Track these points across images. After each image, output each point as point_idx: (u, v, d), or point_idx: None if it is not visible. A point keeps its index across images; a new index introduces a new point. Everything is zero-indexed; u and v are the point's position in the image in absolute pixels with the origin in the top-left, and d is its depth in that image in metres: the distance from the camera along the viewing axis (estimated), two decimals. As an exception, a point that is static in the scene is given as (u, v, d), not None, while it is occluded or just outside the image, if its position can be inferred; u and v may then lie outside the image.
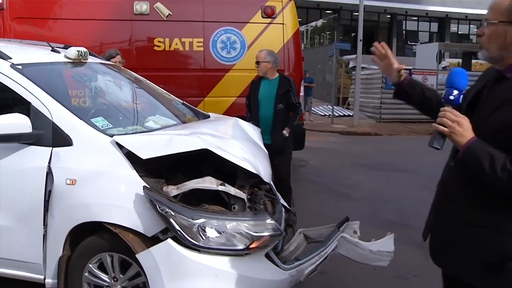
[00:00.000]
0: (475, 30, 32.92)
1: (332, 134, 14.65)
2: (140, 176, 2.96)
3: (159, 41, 7.03)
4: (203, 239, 2.80)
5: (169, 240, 2.82)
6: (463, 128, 1.90)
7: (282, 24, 7.38)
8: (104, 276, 3.09)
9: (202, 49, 7.14)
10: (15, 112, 3.15)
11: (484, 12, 2.00)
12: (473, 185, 1.92)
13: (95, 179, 3.01)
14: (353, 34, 30.70)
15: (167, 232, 2.88)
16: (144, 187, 2.88)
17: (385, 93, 16.83)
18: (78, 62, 3.95)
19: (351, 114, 17.68)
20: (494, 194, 1.86)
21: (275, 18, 7.36)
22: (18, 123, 3.06)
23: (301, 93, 7.59)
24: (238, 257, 2.87)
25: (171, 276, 2.82)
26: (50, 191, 3.09)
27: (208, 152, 3.06)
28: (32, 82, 3.28)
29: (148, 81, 4.63)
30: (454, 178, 2.06)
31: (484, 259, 1.91)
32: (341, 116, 18.76)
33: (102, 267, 3.11)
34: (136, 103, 4.10)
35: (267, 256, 2.99)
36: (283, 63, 7.23)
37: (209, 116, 4.41)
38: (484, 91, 2.03)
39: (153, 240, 2.89)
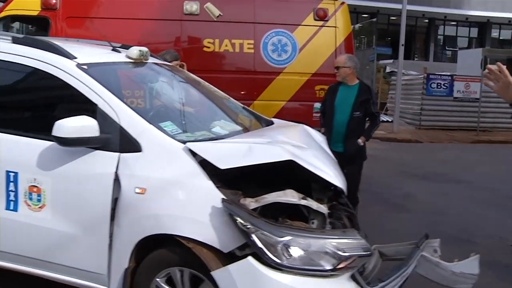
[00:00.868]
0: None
1: (372, 140, 14.22)
2: (217, 187, 2.74)
3: (208, 42, 6.82)
4: (287, 258, 2.56)
5: (250, 258, 2.58)
6: None
7: (335, 27, 7.08)
8: None
9: (252, 51, 6.90)
10: (79, 114, 2.97)
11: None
12: None
13: (167, 188, 2.79)
14: (388, 39, 30.20)
15: (245, 248, 2.65)
16: (223, 199, 2.65)
17: (426, 99, 16.36)
18: (139, 62, 3.77)
19: (390, 120, 17.23)
20: None
21: (327, 21, 7.07)
22: (86, 126, 2.87)
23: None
24: (323, 278, 2.62)
25: None
26: (116, 199, 2.90)
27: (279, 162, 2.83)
28: (99, 82, 3.10)
29: (207, 83, 4.42)
30: None
31: None
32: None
33: (170, 282, 2.90)
34: (199, 107, 3.88)
35: (352, 276, 2.73)
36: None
37: (272, 122, 4.16)
38: None
39: (229, 257, 2.67)
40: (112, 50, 3.85)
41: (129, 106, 3.04)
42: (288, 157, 2.81)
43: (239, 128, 3.68)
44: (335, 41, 7.07)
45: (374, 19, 27.81)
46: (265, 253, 2.53)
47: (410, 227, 5.64)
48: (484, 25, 32.82)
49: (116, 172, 2.88)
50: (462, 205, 6.99)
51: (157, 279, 2.89)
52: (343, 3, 7.19)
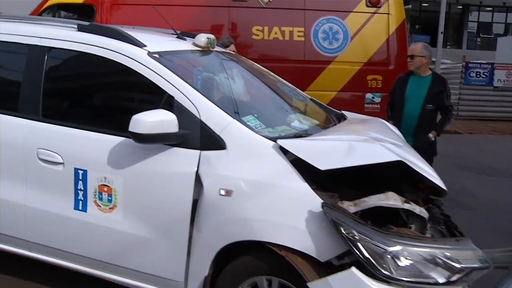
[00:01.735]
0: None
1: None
2: (313, 190, 2.47)
3: (257, 30, 6.54)
4: (395, 269, 2.28)
5: (354, 269, 2.31)
6: None
7: (388, 14, 6.74)
8: None
9: (302, 39, 6.60)
10: (153, 107, 2.73)
11: None
12: None
13: (257, 191, 2.53)
14: (417, 26, 29.37)
15: (344, 257, 2.39)
16: (323, 203, 2.38)
17: (464, 88, 15.76)
18: (206, 50, 3.52)
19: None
20: None
21: (380, 7, 6.73)
22: (165, 121, 2.62)
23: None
24: (434, 291, 2.35)
25: None
26: (196, 201, 2.65)
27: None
28: (173, 72, 2.84)
29: (271, 72, 4.14)
30: None
31: None
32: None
33: (254, 291, 2.65)
34: (270, 99, 3.61)
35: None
36: (387, 56, 6.67)
37: (342, 114, 3.86)
38: None
39: (326, 266, 2.41)
40: (177, 37, 3.59)
41: (209, 98, 2.78)
42: (396, 158, 2.53)
43: (315, 121, 3.40)
44: (387, 29, 6.76)
45: (409, 6, 27.19)
46: (373, 263, 2.27)
47: (473, 225, 5.31)
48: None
49: (197, 172, 2.64)
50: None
51: (241, 288, 2.65)
52: (396, -12, 6.84)
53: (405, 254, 2.29)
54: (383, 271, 2.27)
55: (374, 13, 6.72)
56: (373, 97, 6.76)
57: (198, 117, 2.70)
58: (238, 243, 2.57)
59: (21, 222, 3.16)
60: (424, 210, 2.66)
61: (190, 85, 2.81)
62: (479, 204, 6.40)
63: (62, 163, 2.98)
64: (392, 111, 5.08)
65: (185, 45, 3.47)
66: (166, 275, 2.81)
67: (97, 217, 2.92)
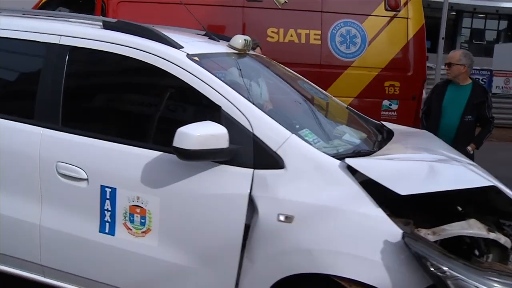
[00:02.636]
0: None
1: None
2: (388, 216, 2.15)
3: (272, 31, 6.20)
4: None
5: (442, 312, 1.99)
6: None
7: (407, 18, 6.47)
8: None
9: (319, 42, 6.27)
10: (196, 118, 2.38)
11: None
12: None
13: (323, 217, 2.20)
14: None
15: (426, 295, 2.07)
16: (404, 233, 2.05)
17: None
18: (243, 53, 3.18)
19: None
20: None
21: (399, 11, 6.45)
22: (215, 135, 2.26)
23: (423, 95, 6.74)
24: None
25: None
26: (248, 227, 2.31)
27: None
28: (218, 78, 2.50)
29: (303, 77, 3.81)
30: None
31: None
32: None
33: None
34: (313, 109, 3.26)
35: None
36: (406, 62, 6.38)
37: (381, 124, 3.53)
38: None
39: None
40: (209, 38, 3.25)
41: (261, 109, 2.43)
42: (488, 183, 2.23)
43: (363, 134, 3.07)
44: (406, 34, 6.47)
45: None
46: None
47: None
48: (515, 17, 31.61)
49: (250, 194, 2.29)
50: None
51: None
52: (416, -9, 6.57)
53: None
54: (478, 314, 1.96)
55: (393, 17, 6.44)
56: (390, 104, 6.49)
57: (251, 130, 2.35)
58: (298, 276, 2.24)
59: (35, 244, 2.78)
60: (508, 240, 2.35)
61: (239, 93, 2.47)
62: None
63: (86, 179, 2.60)
64: (427, 122, 4.78)
65: (220, 47, 3.13)
66: None
67: (127, 242, 2.56)
